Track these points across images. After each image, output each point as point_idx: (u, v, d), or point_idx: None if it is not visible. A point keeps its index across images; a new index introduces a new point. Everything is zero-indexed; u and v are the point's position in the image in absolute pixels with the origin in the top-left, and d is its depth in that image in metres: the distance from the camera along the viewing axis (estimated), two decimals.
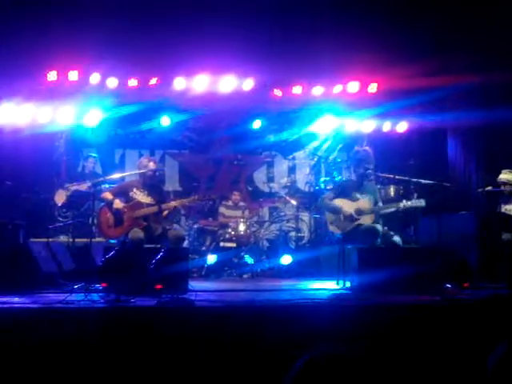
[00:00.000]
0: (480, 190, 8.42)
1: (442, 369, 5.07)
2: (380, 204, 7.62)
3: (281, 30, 8.99)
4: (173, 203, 7.55)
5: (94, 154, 10.28)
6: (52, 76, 9.57)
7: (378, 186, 8.61)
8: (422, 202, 7.33)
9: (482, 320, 5.54)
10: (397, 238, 7.35)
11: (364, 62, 9.48)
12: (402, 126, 10.82)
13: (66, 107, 9.98)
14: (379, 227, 7.30)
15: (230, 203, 10.30)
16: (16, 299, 6.08)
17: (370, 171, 7.58)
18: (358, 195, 7.57)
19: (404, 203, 7.36)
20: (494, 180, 8.07)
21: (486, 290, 6.62)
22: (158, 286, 6.23)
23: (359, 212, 7.42)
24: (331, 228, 7.55)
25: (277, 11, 8.77)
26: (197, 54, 9.27)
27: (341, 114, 10.63)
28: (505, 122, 8.98)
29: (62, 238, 8.94)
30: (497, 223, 7.79)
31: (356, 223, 7.40)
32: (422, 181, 7.68)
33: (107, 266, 6.64)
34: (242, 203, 10.34)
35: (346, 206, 7.49)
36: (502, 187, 7.91)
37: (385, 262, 6.70)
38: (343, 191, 7.67)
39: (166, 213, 7.54)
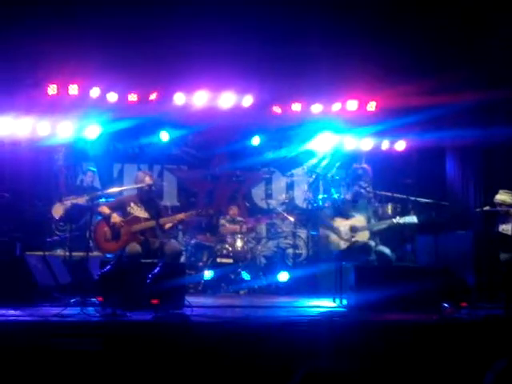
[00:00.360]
0: (478, 209, 8.43)
1: None
2: (373, 221, 7.66)
3: (281, 48, 9.04)
4: (178, 216, 7.53)
5: (92, 168, 10.29)
6: (52, 90, 9.60)
7: (376, 204, 8.64)
8: (414, 219, 7.38)
9: (479, 340, 5.53)
10: (386, 250, 7.40)
11: (363, 80, 9.53)
12: (401, 145, 10.85)
13: (65, 121, 10.01)
14: (372, 243, 7.34)
15: (228, 218, 10.30)
16: (12, 312, 6.06)
17: (363, 190, 7.64)
18: (353, 212, 7.63)
19: (397, 220, 7.43)
20: (492, 199, 8.08)
21: (483, 309, 6.60)
22: (155, 301, 6.21)
23: (354, 229, 7.48)
24: (331, 245, 7.58)
25: (277, 29, 8.84)
26: (197, 69, 9.32)
27: (339, 132, 10.67)
28: (503, 141, 9.02)
29: (59, 252, 8.93)
30: (494, 243, 7.79)
31: (352, 240, 7.43)
32: (420, 199, 7.71)
33: (103, 280, 6.63)
34: (239, 218, 10.33)
35: (341, 224, 7.54)
36: (499, 208, 7.93)
37: (382, 281, 6.70)
38: (338, 209, 7.75)
39: (168, 225, 7.53)
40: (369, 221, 7.62)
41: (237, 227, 10.02)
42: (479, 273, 7.50)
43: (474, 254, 7.67)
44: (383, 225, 7.59)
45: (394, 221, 7.44)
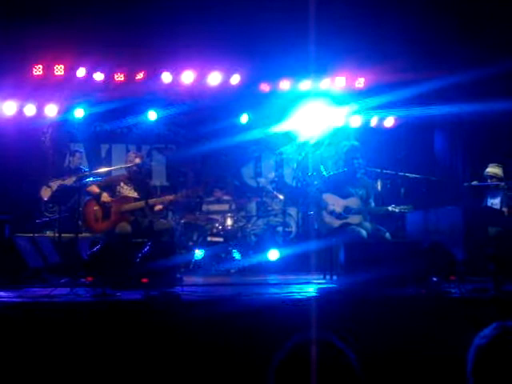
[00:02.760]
0: (466, 184, 8.45)
1: (425, 360, 5.09)
2: (372, 202, 7.61)
3: (268, 27, 8.99)
4: (167, 197, 7.53)
5: (80, 149, 10.22)
6: (38, 70, 9.51)
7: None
8: (409, 207, 7.39)
9: (467, 312, 5.58)
10: (388, 235, 7.41)
11: (351, 56, 9.50)
12: (390, 121, 10.85)
13: (52, 102, 9.92)
14: (364, 232, 7.29)
15: (212, 199, 10.26)
16: (1, 293, 6.05)
17: (360, 163, 7.55)
18: (351, 189, 7.55)
19: (392, 208, 7.39)
20: (481, 174, 8.10)
21: (472, 283, 6.64)
22: (144, 280, 6.21)
23: (348, 210, 7.43)
24: (323, 224, 7.54)
25: (263, 9, 8.78)
26: (184, 48, 9.27)
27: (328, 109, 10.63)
28: (491, 116, 9.02)
29: (49, 233, 8.90)
30: (483, 217, 7.81)
31: (343, 221, 7.42)
32: (409, 175, 7.71)
33: (93, 260, 6.61)
34: (226, 197, 10.31)
35: (335, 202, 7.49)
36: (489, 181, 7.94)
37: (371, 257, 6.70)
38: (335, 185, 7.63)
39: (158, 207, 7.52)
40: (367, 199, 7.57)
41: (226, 206, 10.02)
42: (468, 247, 7.54)
43: (464, 228, 7.69)
44: (378, 211, 7.57)
45: (390, 208, 7.40)
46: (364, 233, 7.28)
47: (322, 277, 7.69)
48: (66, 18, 9.17)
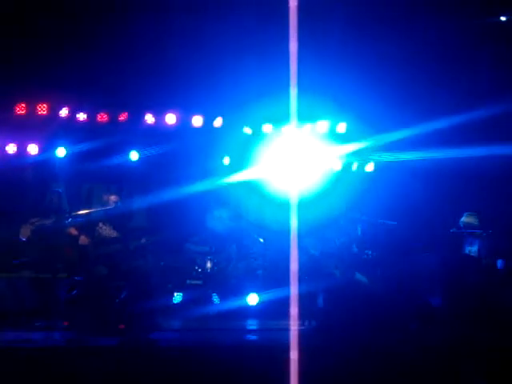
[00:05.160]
0: (444, 231, 8.52)
1: None
2: (354, 248, 7.68)
3: (251, 73, 9.13)
4: (145, 238, 7.53)
5: (61, 189, 10.17)
6: (21, 109, 9.53)
7: None
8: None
9: (444, 360, 5.60)
10: (366, 281, 7.45)
11: (332, 103, 9.65)
12: (370, 166, 10.94)
13: (34, 140, 9.91)
14: (343, 277, 7.34)
15: (196, 239, 10.24)
16: None
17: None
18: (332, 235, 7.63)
19: (371, 253, 7.46)
20: (458, 222, 8.19)
21: (449, 330, 6.66)
22: (122, 326, 6.16)
23: (327, 254, 7.49)
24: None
25: (247, 55, 8.93)
26: (167, 91, 9.35)
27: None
28: (468, 164, 9.16)
29: (26, 274, 8.79)
30: (461, 264, 7.88)
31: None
32: (387, 221, 7.78)
33: (70, 303, 6.56)
34: (208, 239, 10.29)
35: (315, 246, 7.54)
36: (464, 230, 8.03)
37: (349, 303, 6.72)
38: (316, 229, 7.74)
39: (137, 247, 7.50)
40: (350, 245, 7.64)
41: (206, 248, 9.99)
42: (445, 294, 7.56)
43: (441, 275, 7.73)
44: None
45: (369, 254, 7.47)
46: (343, 278, 7.31)
47: (301, 322, 7.65)
48: (51, 58, 9.25)
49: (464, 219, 8.14)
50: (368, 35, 9.27)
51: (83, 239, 7.29)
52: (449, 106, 9.42)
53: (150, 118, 9.82)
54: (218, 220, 11.35)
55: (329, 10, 9.13)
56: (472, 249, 8.08)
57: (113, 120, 9.87)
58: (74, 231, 7.38)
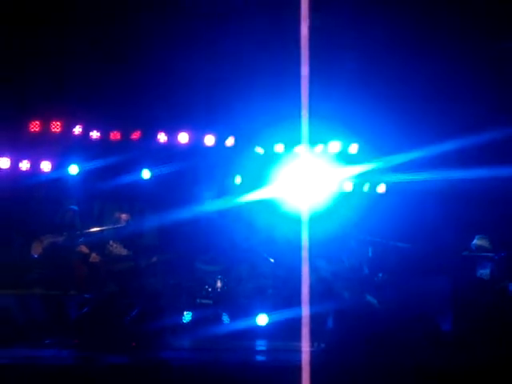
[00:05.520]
0: (456, 254, 8.48)
1: None
2: (366, 269, 7.66)
3: (264, 94, 9.19)
4: (156, 257, 7.53)
5: (73, 206, 10.21)
6: (35, 126, 9.61)
7: None
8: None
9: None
10: (376, 303, 7.40)
11: (343, 124, 9.68)
12: (382, 187, 10.92)
13: (47, 157, 9.98)
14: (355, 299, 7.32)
15: (206, 258, 10.24)
16: None
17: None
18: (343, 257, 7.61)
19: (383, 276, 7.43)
20: (469, 245, 8.16)
21: (460, 353, 6.61)
22: (132, 344, 6.15)
23: (337, 275, 7.47)
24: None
25: (260, 76, 8.99)
26: (180, 110, 9.42)
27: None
28: (480, 186, 9.13)
29: (37, 291, 8.81)
30: (473, 288, 7.83)
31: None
32: (399, 243, 7.76)
33: (80, 321, 6.56)
34: (219, 258, 10.28)
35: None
36: (477, 253, 8.00)
37: (359, 325, 6.68)
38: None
39: (147, 265, 7.50)
40: (361, 267, 7.62)
41: (216, 267, 9.99)
42: (457, 318, 7.51)
43: (453, 299, 7.68)
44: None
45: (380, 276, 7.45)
46: (353, 299, 7.30)
47: (311, 344, 7.61)
48: (65, 76, 9.35)
49: (476, 242, 8.10)
50: (381, 58, 9.31)
51: (94, 257, 7.32)
52: (461, 127, 9.41)
53: (162, 137, 9.88)
54: (230, 239, 11.36)
55: (339, 35, 9.19)
56: (484, 272, 8.03)
57: (125, 138, 9.93)
58: (85, 249, 7.41)
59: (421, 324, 6.84)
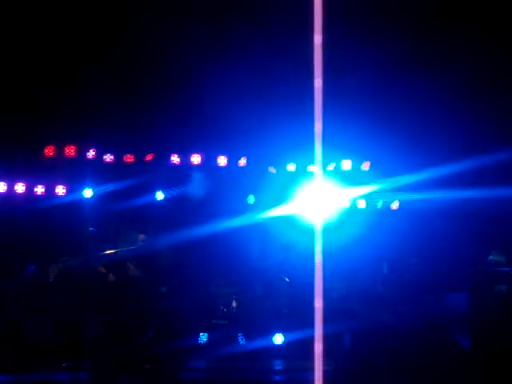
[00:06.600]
0: (472, 270, 8.42)
1: None
2: (380, 287, 7.64)
3: (276, 113, 9.24)
4: (173, 280, 7.55)
5: (88, 229, 10.26)
6: (49, 151, 9.71)
7: None
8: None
9: None
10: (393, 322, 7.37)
11: (357, 141, 9.69)
12: (396, 203, 10.89)
13: (62, 181, 10.06)
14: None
15: (219, 282, 10.23)
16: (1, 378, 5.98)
17: None
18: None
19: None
20: (486, 260, 8.10)
21: (479, 369, 6.52)
22: (148, 365, 6.15)
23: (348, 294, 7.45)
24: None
25: (271, 98, 9.05)
26: (192, 132, 9.49)
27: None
28: (496, 203, 9.08)
29: (53, 313, 8.83)
30: (490, 303, 7.75)
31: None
32: (413, 260, 7.72)
33: (96, 343, 6.56)
34: (233, 280, 10.27)
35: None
36: (493, 268, 7.94)
37: (376, 343, 6.65)
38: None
39: (164, 287, 7.51)
40: (375, 285, 7.60)
41: (231, 288, 9.98)
42: (475, 334, 7.43)
43: (471, 315, 7.61)
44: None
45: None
46: (369, 318, 7.26)
47: (327, 362, 7.56)
48: (78, 102, 9.46)
49: (492, 257, 8.05)
50: (394, 77, 9.34)
51: (111, 278, 7.33)
52: (476, 146, 9.40)
53: (175, 159, 9.94)
54: (245, 258, 11.35)
55: (353, 56, 9.23)
56: (502, 287, 7.95)
57: (139, 161, 10.01)
58: (102, 270, 7.43)
59: (439, 341, 6.78)
